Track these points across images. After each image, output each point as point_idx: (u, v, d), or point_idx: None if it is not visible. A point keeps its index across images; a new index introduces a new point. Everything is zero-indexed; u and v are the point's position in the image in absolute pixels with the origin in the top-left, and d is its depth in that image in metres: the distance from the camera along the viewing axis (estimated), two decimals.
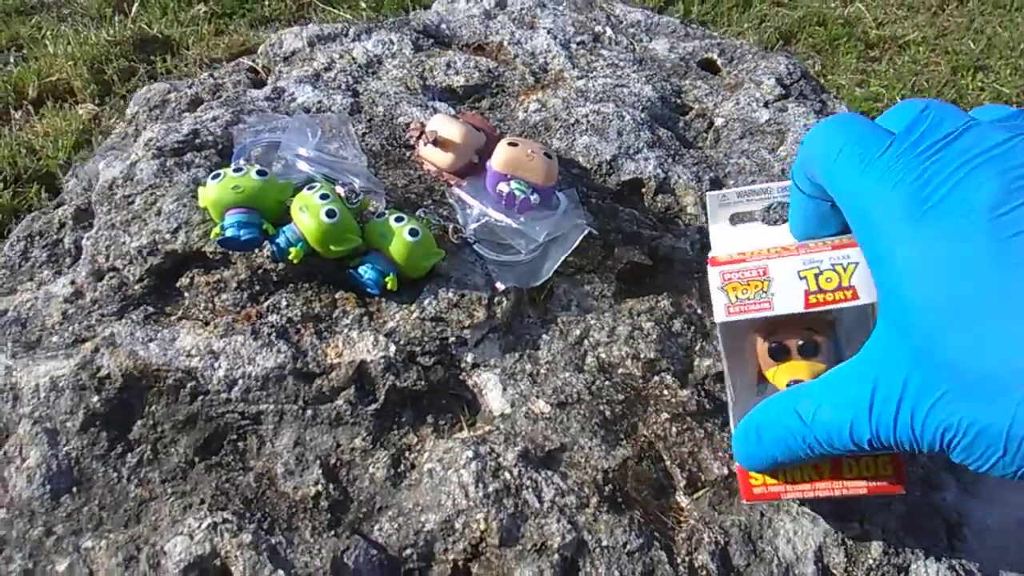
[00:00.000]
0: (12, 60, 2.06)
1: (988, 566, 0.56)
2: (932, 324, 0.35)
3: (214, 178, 0.60)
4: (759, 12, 2.26)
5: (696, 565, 0.52)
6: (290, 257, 0.59)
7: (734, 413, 0.51)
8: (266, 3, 2.29)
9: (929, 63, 2.15)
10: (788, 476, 0.50)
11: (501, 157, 0.64)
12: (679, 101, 0.88)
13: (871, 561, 0.54)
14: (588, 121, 0.79)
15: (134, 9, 2.23)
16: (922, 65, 2.14)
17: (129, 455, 0.54)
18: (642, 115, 0.81)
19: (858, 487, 0.49)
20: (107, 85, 1.98)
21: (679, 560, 0.53)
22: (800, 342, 0.49)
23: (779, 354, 0.50)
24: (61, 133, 1.75)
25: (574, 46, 0.92)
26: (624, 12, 1.02)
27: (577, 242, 0.64)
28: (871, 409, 0.38)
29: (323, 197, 0.59)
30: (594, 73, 0.88)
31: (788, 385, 0.49)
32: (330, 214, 0.58)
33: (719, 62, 0.96)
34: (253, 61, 0.87)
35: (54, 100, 1.87)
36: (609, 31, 0.96)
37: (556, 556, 0.51)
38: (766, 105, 0.86)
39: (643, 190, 0.75)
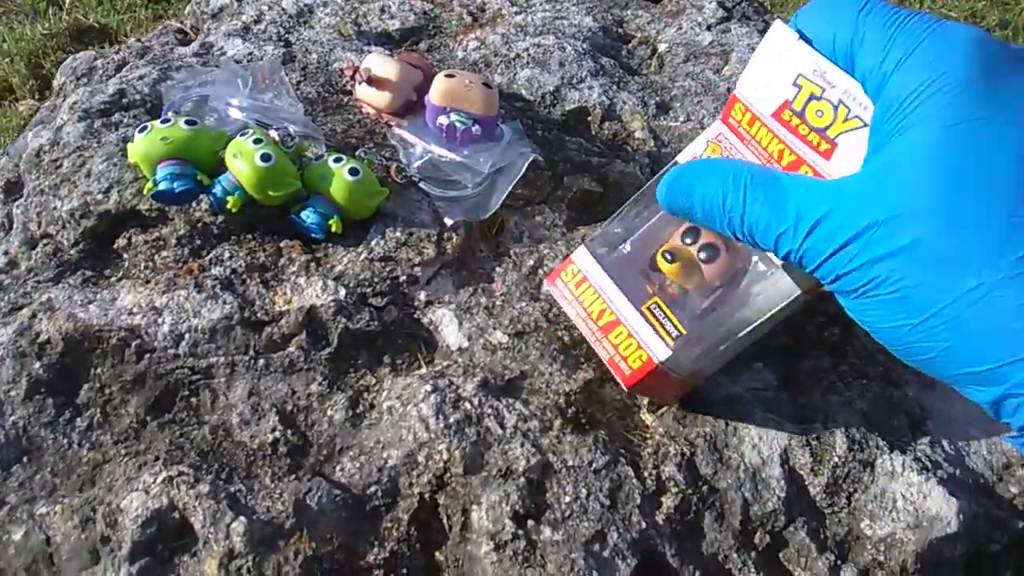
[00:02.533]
0: None
1: (954, 456, 0.56)
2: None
3: (141, 132, 0.58)
4: None
5: (664, 477, 0.52)
6: (228, 206, 0.57)
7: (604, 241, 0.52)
8: None
9: None
10: (588, 300, 0.52)
11: (439, 89, 0.63)
12: (621, 31, 0.86)
13: (836, 459, 0.54)
14: (529, 55, 0.77)
15: (68, 1, 2.17)
16: None
17: (78, 419, 0.53)
18: (584, 45, 0.80)
19: (609, 354, 0.51)
20: (46, 79, 1.93)
21: (646, 474, 0.52)
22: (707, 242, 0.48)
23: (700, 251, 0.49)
24: (2, 130, 1.70)
25: None
26: None
27: (523, 170, 0.63)
28: (808, 232, 0.35)
29: (256, 142, 0.57)
30: (532, 9, 0.86)
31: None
32: (265, 158, 0.57)
33: None
34: (181, 22, 0.84)
35: None
36: None
37: (522, 479, 0.50)
38: (709, 28, 0.85)
39: (589, 119, 0.74)
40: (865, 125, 0.39)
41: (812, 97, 0.41)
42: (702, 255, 0.48)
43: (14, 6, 2.24)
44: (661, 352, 0.48)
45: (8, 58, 1.96)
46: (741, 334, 0.49)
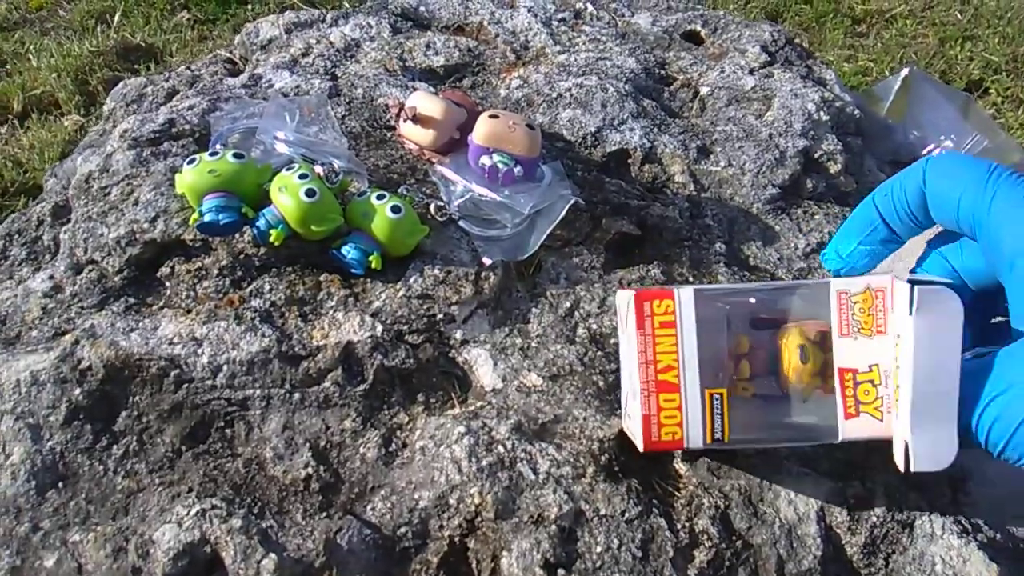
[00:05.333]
0: None
1: (994, 520, 0.55)
2: None
3: (190, 163, 0.58)
4: None
5: (697, 530, 0.51)
6: (271, 239, 0.58)
7: None
8: (249, 7, 2.28)
9: (917, 35, 2.14)
10: (664, 346, 0.48)
11: (482, 130, 0.63)
12: (663, 72, 0.87)
13: (874, 519, 0.53)
14: (571, 95, 0.78)
15: (116, 19, 2.22)
16: (910, 38, 2.13)
17: (115, 447, 0.53)
18: (626, 87, 0.80)
19: (648, 411, 0.48)
20: (92, 96, 1.97)
21: (679, 526, 0.52)
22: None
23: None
24: (47, 145, 1.74)
25: (555, 23, 0.91)
26: None
27: (563, 213, 0.63)
28: None
29: (302, 177, 0.58)
30: (576, 48, 0.87)
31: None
32: (310, 193, 0.57)
33: (703, 33, 0.95)
34: (230, 52, 0.86)
35: (39, 113, 1.86)
36: (590, 7, 0.95)
37: (553, 527, 0.50)
38: (751, 72, 0.85)
39: (629, 161, 0.74)
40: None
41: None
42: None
43: (63, 22, 2.29)
44: (695, 441, 0.47)
45: (55, 73, 2.01)
46: (764, 444, 0.51)
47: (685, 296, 0.47)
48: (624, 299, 0.50)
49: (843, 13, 2.20)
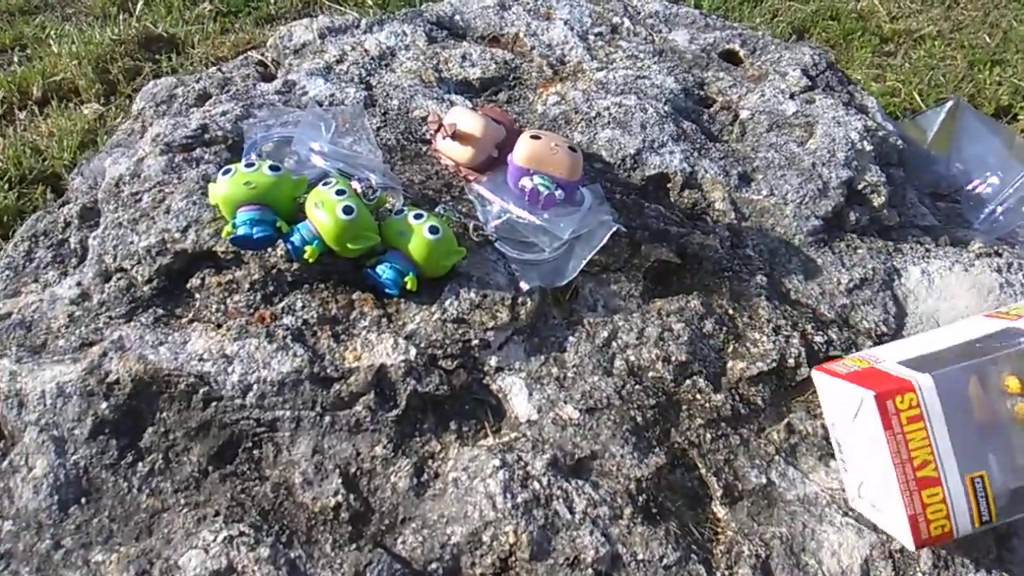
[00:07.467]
0: (16, 60, 2.03)
1: None
2: None
3: (225, 173, 0.57)
4: (771, 7, 2.23)
5: None
6: (305, 256, 0.56)
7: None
8: (272, 1, 2.26)
9: (945, 57, 2.11)
10: (916, 441, 0.48)
11: (523, 151, 0.62)
12: (702, 93, 0.85)
13: (920, 575, 0.51)
14: (610, 114, 0.76)
15: (138, 8, 2.20)
16: (938, 59, 2.10)
17: (140, 464, 0.52)
18: (665, 108, 0.78)
19: (914, 510, 0.48)
20: (112, 84, 1.95)
21: (719, 574, 0.50)
22: None
23: None
24: (66, 133, 1.72)
25: (592, 37, 0.89)
26: (642, 3, 0.99)
27: (604, 239, 0.62)
28: None
29: (339, 193, 0.57)
30: (614, 65, 0.85)
31: None
32: (347, 210, 0.56)
33: (741, 53, 0.93)
34: (262, 55, 0.84)
35: (59, 100, 1.84)
36: (627, 22, 0.94)
37: (590, 571, 0.48)
38: (792, 97, 0.83)
39: (669, 185, 0.73)
40: None
41: None
42: None
43: (84, 8, 2.28)
44: (964, 527, 0.48)
45: (76, 60, 1.99)
46: None
47: (926, 385, 0.47)
48: (852, 394, 0.49)
49: (871, 31, 2.17)
